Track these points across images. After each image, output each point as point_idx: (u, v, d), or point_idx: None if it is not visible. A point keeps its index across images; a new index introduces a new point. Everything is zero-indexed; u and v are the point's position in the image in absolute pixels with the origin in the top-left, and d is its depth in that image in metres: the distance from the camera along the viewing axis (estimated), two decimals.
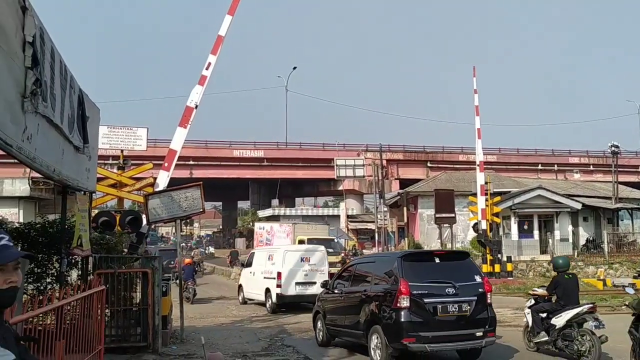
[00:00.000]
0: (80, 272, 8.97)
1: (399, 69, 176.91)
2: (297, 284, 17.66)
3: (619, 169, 39.24)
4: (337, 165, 44.77)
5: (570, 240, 33.56)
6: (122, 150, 13.31)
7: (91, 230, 8.92)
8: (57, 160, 5.95)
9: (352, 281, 10.76)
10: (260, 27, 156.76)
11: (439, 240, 32.42)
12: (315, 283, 17.08)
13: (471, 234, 33.11)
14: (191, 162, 49.68)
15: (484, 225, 24.97)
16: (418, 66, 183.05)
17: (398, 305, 8.68)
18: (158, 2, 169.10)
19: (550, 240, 32.94)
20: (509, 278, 24.03)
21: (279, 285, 17.46)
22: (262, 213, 62.01)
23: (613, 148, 37.09)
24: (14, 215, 27.49)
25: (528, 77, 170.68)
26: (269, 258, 18.97)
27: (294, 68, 66.23)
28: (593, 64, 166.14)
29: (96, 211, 11.62)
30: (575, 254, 31.49)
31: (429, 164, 56.53)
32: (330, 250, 27.13)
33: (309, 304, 16.70)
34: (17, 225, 10.17)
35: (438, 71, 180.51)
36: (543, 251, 31.71)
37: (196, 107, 13.16)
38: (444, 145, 59.49)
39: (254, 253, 21.38)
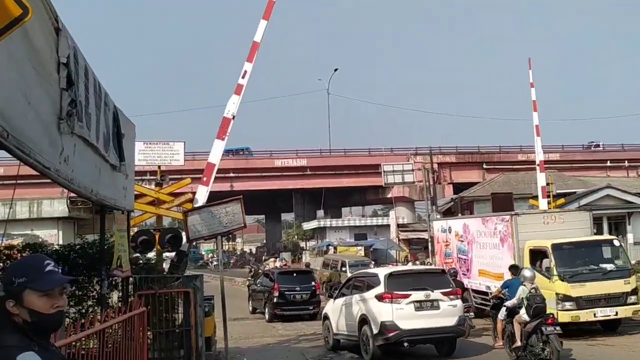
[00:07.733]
0: (121, 294, 9.23)
1: (445, 65, 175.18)
2: None
3: None
4: (384, 171, 44.59)
5: None
6: (159, 166, 13.67)
7: (131, 250, 9.18)
8: (95, 180, 6.13)
9: (262, 281, 22.60)
10: (295, 28, 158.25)
11: None
12: None
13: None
14: (231, 175, 50.46)
15: None
16: (467, 61, 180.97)
17: (273, 295, 20.34)
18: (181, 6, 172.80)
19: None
20: None
21: None
22: (307, 225, 62.29)
23: None
24: (53, 236, 28.51)
25: (589, 66, 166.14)
26: None
27: (335, 70, 66.75)
28: None
29: (135, 229, 11.95)
30: None
31: (484, 166, 55.68)
32: (612, 267, 15.08)
33: None
34: (56, 247, 10.58)
35: (491, 65, 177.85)
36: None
37: (233, 117, 13.44)
38: (500, 144, 58.67)
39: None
